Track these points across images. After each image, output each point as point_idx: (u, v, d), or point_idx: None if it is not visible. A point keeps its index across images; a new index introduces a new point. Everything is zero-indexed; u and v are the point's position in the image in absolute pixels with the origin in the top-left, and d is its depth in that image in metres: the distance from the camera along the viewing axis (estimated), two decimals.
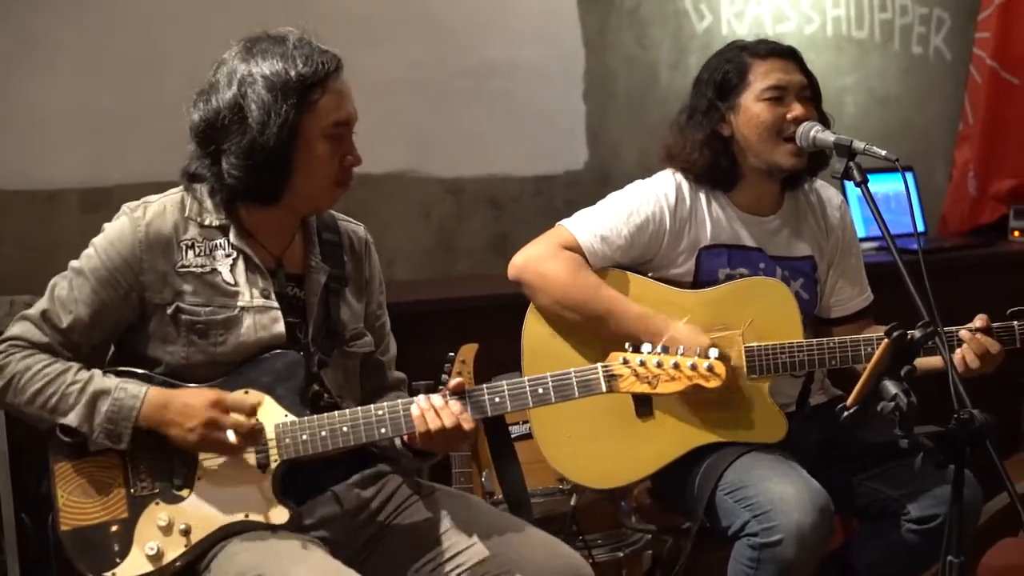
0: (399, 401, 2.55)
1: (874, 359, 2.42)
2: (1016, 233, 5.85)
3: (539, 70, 5.02)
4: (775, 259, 3.20)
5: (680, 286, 3.13)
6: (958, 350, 2.97)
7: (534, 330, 3.15)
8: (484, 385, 2.56)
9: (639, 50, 5.24)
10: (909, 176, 5.50)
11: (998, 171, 5.90)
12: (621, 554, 3.75)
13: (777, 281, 3.13)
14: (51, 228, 4.18)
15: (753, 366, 3.04)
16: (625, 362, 2.57)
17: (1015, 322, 3.06)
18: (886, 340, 2.40)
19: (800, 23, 5.58)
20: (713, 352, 2.60)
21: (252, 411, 2.49)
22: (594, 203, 5.08)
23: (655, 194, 3.15)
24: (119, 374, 2.52)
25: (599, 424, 2.90)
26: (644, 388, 2.58)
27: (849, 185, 2.95)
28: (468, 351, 3.44)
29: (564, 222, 3.18)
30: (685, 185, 3.17)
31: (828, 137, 2.97)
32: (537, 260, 3.10)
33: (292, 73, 2.47)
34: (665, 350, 2.58)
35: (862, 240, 3.39)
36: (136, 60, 4.23)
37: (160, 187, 4.17)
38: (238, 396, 2.50)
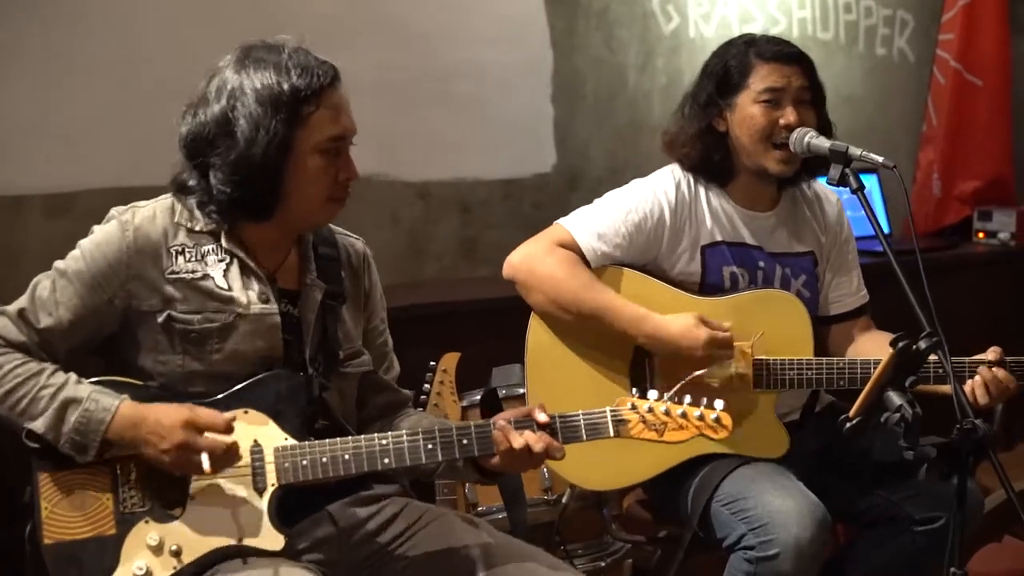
0: (403, 432, 2.48)
1: (878, 370, 2.39)
2: (980, 234, 5.89)
3: (507, 73, 4.96)
4: (775, 256, 3.17)
5: (688, 286, 3.09)
6: (968, 382, 2.92)
7: (538, 336, 3.10)
8: (491, 420, 2.50)
9: (607, 52, 5.20)
10: (891, 177, 5.52)
11: (962, 172, 5.93)
12: (603, 563, 3.73)
13: (791, 296, 3.11)
14: (14, 234, 4.06)
15: (760, 379, 3.00)
16: (633, 407, 2.54)
17: None
18: (891, 351, 2.37)
19: (766, 24, 5.57)
20: (719, 404, 2.57)
21: (227, 427, 2.38)
22: (562, 206, 5.06)
23: (654, 192, 3.11)
24: (104, 384, 2.43)
25: None
26: (651, 435, 2.55)
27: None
28: (449, 360, 3.39)
29: (562, 220, 3.13)
30: (685, 182, 3.14)
31: (823, 143, 2.93)
32: (532, 258, 3.06)
33: (285, 86, 2.38)
34: (673, 399, 2.55)
35: None
36: (103, 64, 4.12)
37: (127, 193, 4.07)
38: (211, 413, 2.39)
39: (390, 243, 4.78)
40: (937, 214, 5.91)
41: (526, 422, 2.48)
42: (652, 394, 2.56)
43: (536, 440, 2.45)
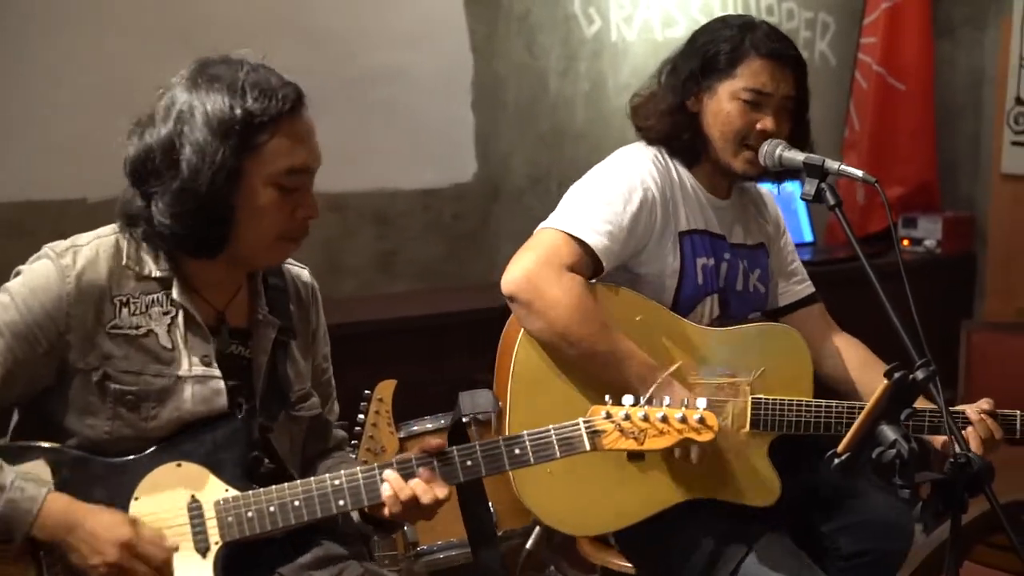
0: (357, 469, 2.25)
1: (871, 402, 2.23)
2: (905, 242, 5.80)
3: (425, 78, 4.76)
4: (735, 248, 2.97)
5: (666, 280, 2.84)
6: (969, 429, 2.76)
7: (527, 355, 2.76)
8: (454, 448, 2.29)
9: (528, 57, 5.02)
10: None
11: (886, 179, 5.79)
12: None
13: (794, 332, 2.90)
14: None
15: (758, 420, 2.77)
16: (608, 416, 2.33)
17: (1018, 412, 2.85)
18: (885, 381, 2.20)
19: (689, 28, 5.32)
20: (701, 402, 2.37)
21: (167, 562, 2.12)
22: (483, 217, 4.92)
23: (639, 176, 2.82)
24: (20, 452, 2.15)
25: (584, 461, 2.51)
26: (630, 444, 2.34)
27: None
28: (385, 388, 3.17)
29: (555, 224, 2.77)
30: (659, 162, 2.88)
31: (796, 156, 2.74)
32: (540, 279, 2.68)
33: (237, 110, 2.12)
34: (650, 402, 2.34)
35: None
36: (4, 71, 3.87)
37: (28, 208, 3.86)
38: (153, 541, 2.13)
39: (304, 258, 4.49)
40: (861, 221, 5.78)
41: (407, 466, 2.27)
42: (627, 399, 2.35)
43: (424, 491, 2.24)
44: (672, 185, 2.87)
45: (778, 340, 2.88)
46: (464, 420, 2.65)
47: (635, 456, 2.63)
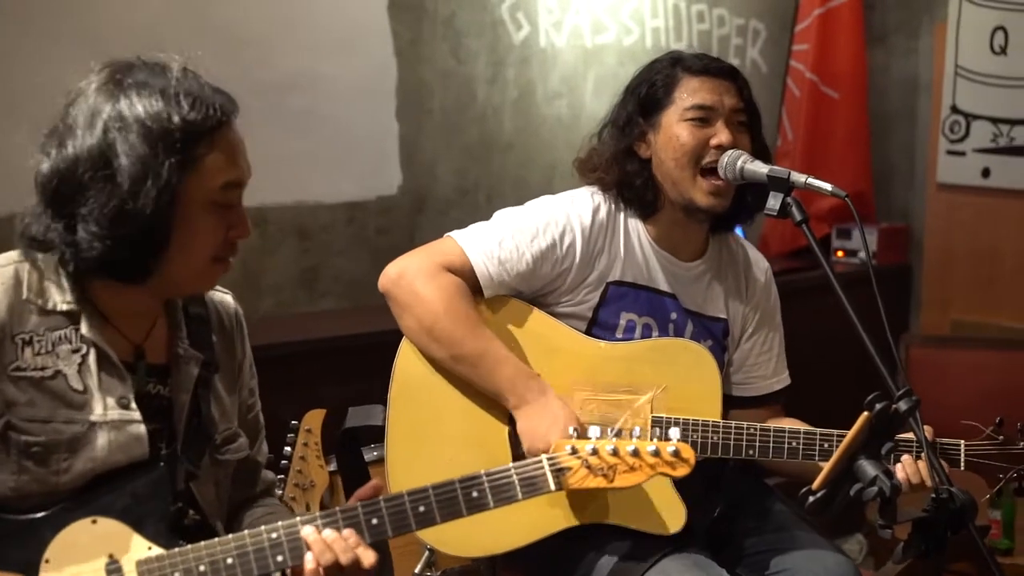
0: (297, 519, 2.02)
1: (849, 436, 2.08)
2: (840, 253, 5.68)
3: (347, 85, 4.56)
4: (688, 312, 2.78)
5: (573, 320, 2.70)
6: (899, 465, 2.52)
7: (408, 363, 2.65)
8: (405, 492, 2.06)
9: (454, 63, 4.83)
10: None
11: None
12: None
13: (700, 347, 2.72)
14: None
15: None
16: (574, 451, 2.13)
17: (962, 441, 2.68)
18: (865, 413, 2.06)
19: (619, 34, 5.27)
20: (675, 432, 2.17)
21: None
22: (409, 231, 4.72)
23: (567, 215, 2.69)
24: None
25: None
26: (599, 483, 2.13)
27: None
28: (314, 418, 2.96)
29: (456, 235, 2.68)
30: (604, 208, 2.73)
31: (759, 168, 2.57)
32: (414, 276, 2.60)
33: (175, 119, 1.91)
34: (619, 434, 2.15)
35: None
36: None
37: None
38: None
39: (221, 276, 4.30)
40: (794, 233, 5.64)
41: (352, 516, 2.04)
42: (593, 431, 2.17)
43: (343, 549, 1.99)
44: (610, 233, 2.73)
45: (683, 356, 2.70)
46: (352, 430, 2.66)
47: None
